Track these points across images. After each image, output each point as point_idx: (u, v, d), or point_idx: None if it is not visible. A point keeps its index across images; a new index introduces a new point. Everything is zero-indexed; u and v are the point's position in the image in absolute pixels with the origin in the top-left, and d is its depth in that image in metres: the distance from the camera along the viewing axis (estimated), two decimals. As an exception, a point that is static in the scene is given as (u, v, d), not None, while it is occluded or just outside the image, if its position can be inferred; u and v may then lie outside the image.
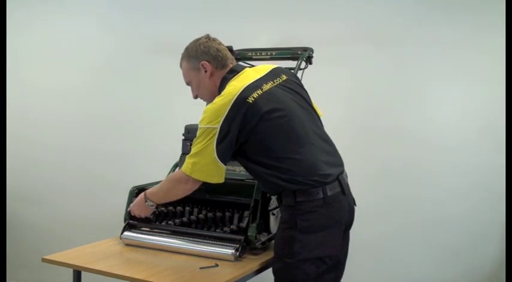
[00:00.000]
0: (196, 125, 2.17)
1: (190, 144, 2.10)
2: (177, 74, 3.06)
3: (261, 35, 2.87)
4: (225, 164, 1.73)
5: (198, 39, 1.86)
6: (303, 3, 2.87)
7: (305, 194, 1.71)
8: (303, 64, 2.29)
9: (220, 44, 1.87)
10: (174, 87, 3.09)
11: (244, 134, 1.70)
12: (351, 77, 2.78)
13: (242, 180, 2.04)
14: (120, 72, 3.26)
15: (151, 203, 1.88)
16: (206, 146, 1.70)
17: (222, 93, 1.75)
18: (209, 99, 1.85)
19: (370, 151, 2.76)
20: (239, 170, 1.97)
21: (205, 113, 1.73)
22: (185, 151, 2.12)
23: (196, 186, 1.78)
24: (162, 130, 3.09)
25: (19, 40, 3.38)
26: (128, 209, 2.02)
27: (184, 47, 1.90)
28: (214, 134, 1.68)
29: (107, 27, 3.30)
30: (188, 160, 1.74)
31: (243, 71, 1.84)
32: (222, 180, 1.75)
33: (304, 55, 2.28)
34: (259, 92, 1.73)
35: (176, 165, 2.29)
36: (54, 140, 3.37)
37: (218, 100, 1.72)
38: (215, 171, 1.73)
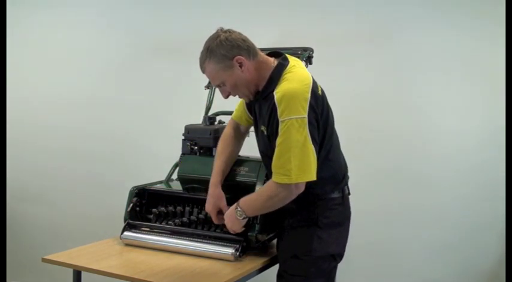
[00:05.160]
0: (196, 125, 2.16)
1: (190, 144, 2.10)
2: (176, 74, 3.10)
3: (261, 34, 2.86)
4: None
5: (217, 37, 1.68)
6: (302, 4, 2.87)
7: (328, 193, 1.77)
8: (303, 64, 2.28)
9: (240, 33, 1.72)
10: (174, 87, 3.12)
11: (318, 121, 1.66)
12: (350, 77, 2.78)
13: (242, 180, 2.03)
14: (120, 73, 3.26)
15: (242, 213, 1.73)
16: (305, 139, 1.58)
17: (292, 77, 1.65)
18: (249, 93, 1.75)
19: (369, 151, 2.76)
20: (239, 170, 1.96)
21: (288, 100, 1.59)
22: (185, 151, 2.11)
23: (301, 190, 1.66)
24: (162, 130, 3.09)
25: (19, 42, 3.38)
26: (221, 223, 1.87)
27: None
28: (305, 124, 1.58)
29: (105, 29, 3.29)
30: (286, 166, 1.59)
31: (295, 61, 1.76)
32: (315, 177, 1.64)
33: (304, 55, 2.28)
34: (320, 87, 1.72)
35: (176, 165, 2.28)
36: (54, 140, 3.36)
37: (296, 85, 1.61)
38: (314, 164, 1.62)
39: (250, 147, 2.02)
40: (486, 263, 2.65)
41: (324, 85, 1.77)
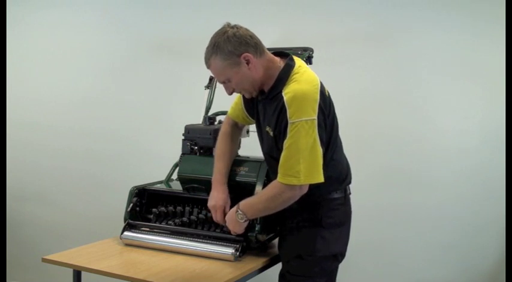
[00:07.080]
0: (196, 125, 2.16)
1: (190, 144, 2.10)
2: (177, 74, 3.10)
3: (261, 35, 2.86)
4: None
5: (224, 32, 1.63)
6: (303, 4, 2.87)
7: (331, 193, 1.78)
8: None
9: (247, 29, 1.67)
10: (174, 87, 3.12)
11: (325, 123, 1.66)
12: (350, 77, 2.78)
13: (242, 180, 2.04)
14: (120, 73, 3.26)
15: (243, 216, 1.72)
16: (314, 141, 1.58)
17: (300, 78, 1.64)
18: (253, 90, 1.72)
19: (369, 151, 2.76)
20: (239, 170, 1.96)
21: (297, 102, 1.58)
22: (185, 151, 2.11)
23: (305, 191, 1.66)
24: (162, 130, 3.09)
25: (19, 42, 3.38)
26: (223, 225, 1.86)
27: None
28: (315, 125, 1.58)
29: (105, 29, 3.29)
30: (295, 168, 1.59)
31: (300, 62, 1.74)
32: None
33: (304, 55, 2.28)
34: (326, 89, 1.71)
35: (176, 165, 2.28)
36: (54, 140, 3.36)
37: (306, 87, 1.61)
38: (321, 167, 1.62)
39: (250, 147, 2.02)
40: (486, 263, 2.65)
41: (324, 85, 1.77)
